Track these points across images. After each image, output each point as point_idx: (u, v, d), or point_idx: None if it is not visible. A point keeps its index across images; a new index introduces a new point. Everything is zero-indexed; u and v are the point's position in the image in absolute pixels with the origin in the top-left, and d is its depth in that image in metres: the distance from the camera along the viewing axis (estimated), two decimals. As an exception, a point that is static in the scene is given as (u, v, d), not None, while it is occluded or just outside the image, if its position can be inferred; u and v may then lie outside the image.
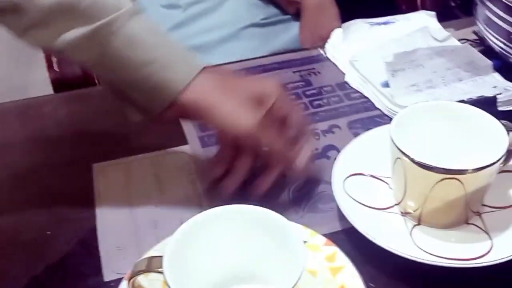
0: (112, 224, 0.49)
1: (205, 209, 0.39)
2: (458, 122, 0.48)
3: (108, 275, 0.45)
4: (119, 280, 0.41)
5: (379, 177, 0.50)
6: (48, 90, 0.83)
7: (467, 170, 0.42)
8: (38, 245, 0.48)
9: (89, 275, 0.45)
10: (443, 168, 0.42)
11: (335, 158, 0.52)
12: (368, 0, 0.84)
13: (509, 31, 0.61)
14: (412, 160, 0.43)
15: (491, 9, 0.63)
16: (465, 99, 0.58)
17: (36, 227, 0.49)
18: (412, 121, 0.48)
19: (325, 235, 0.46)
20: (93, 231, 0.49)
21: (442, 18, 0.75)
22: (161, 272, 0.35)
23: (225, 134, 0.47)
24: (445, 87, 0.63)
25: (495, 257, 0.42)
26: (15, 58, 1.38)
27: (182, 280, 0.36)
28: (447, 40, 0.68)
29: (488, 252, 0.43)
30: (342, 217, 0.47)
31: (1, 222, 0.50)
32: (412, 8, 0.91)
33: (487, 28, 0.65)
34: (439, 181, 0.43)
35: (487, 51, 0.67)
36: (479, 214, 0.47)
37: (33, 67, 1.05)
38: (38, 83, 0.94)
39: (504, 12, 0.61)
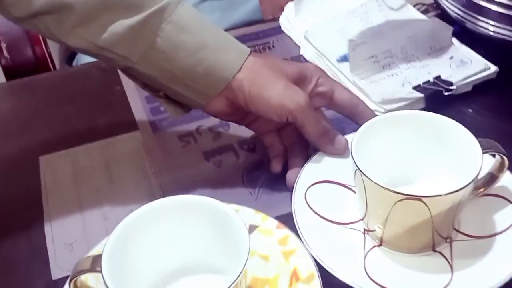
0: (60, 219, 0.48)
1: (158, 197, 0.38)
2: (430, 134, 0.43)
3: (56, 274, 0.43)
4: (67, 278, 0.40)
5: (349, 187, 0.45)
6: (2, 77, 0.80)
7: (426, 196, 0.37)
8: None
9: (37, 275, 0.44)
10: (398, 192, 0.37)
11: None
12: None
13: (463, -3, 0.59)
14: (368, 178, 0.38)
15: (445, -26, 0.61)
16: (420, 83, 0.56)
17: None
18: (380, 132, 0.43)
19: (281, 216, 0.45)
20: (41, 229, 0.47)
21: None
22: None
23: (280, 112, 0.46)
24: (403, 55, 0.62)
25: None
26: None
27: (125, 277, 0.35)
28: (402, 8, 0.66)
29: None
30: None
31: None
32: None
33: (442, -6, 0.63)
34: (398, 201, 0.38)
35: (444, 15, 0.66)
36: (450, 241, 0.42)
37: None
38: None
39: (458, -23, 0.60)
